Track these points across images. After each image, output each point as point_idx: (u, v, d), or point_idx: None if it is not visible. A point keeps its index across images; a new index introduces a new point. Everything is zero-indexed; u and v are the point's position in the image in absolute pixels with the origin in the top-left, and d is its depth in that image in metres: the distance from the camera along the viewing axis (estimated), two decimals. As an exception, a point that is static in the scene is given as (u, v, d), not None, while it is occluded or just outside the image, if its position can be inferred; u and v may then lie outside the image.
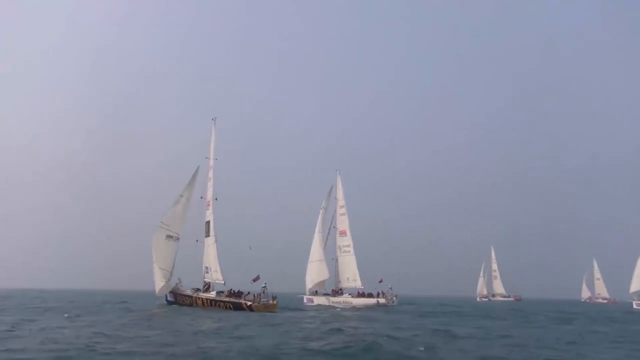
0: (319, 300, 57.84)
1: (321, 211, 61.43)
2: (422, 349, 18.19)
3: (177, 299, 44.94)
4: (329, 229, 61.97)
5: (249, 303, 40.45)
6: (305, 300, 58.11)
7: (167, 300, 45.94)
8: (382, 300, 57.12)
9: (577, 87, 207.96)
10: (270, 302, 41.12)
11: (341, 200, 62.04)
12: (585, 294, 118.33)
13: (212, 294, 43.37)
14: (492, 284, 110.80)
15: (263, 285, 41.54)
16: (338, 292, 59.83)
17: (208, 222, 45.39)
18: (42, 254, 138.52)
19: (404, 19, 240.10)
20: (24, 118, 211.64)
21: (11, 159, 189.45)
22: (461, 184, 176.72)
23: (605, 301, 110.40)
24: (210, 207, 45.48)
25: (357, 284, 60.61)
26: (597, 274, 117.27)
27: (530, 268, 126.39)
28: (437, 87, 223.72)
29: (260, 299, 40.99)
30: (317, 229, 60.27)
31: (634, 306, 77.22)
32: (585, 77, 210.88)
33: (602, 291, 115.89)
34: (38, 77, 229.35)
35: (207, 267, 44.80)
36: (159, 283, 44.81)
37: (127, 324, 26.35)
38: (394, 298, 58.98)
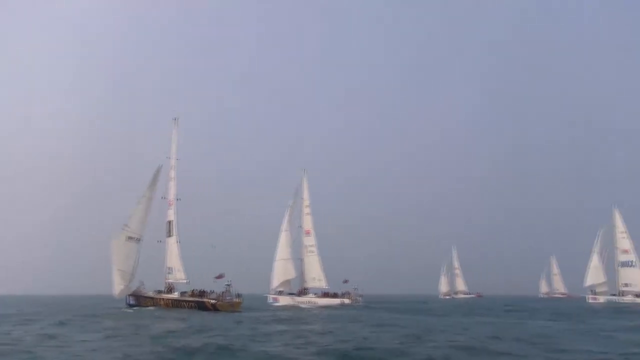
0: (284, 299, 57.59)
1: (288, 210, 61.44)
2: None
3: (139, 301, 44.08)
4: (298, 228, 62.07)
5: (212, 302, 40.07)
6: (270, 300, 57.79)
7: (128, 303, 45.02)
8: (346, 301, 57.41)
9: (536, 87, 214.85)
10: (235, 300, 40.86)
11: (306, 200, 62.15)
12: (543, 289, 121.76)
13: (175, 295, 42.78)
14: (455, 282, 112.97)
15: (227, 283, 41.23)
16: (303, 291, 59.82)
17: (170, 222, 44.85)
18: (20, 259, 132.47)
19: (376, 18, 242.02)
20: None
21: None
22: (427, 185, 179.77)
23: (563, 296, 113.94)
24: (173, 207, 44.96)
25: (322, 284, 60.74)
26: (555, 270, 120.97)
27: (491, 266, 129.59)
28: (407, 89, 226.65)
29: (224, 297, 40.65)
30: (283, 228, 60.18)
31: (588, 300, 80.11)
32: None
33: (559, 287, 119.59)
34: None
35: (169, 268, 44.20)
36: (118, 286, 43.86)
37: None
38: (359, 298, 59.35)
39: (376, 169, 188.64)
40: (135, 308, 43.25)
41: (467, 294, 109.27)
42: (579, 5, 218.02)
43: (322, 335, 21.94)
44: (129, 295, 44.62)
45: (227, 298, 40.83)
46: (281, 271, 58.76)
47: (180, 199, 45.65)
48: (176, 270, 43.56)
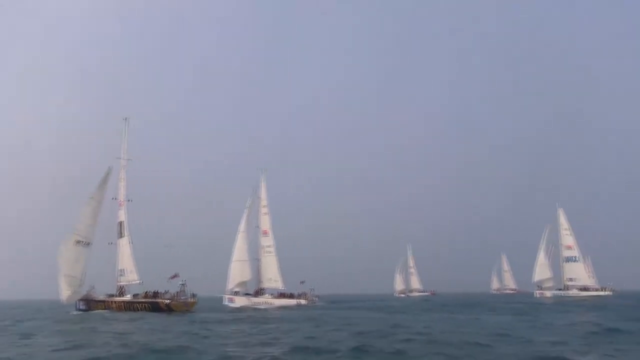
0: (240, 300, 57.15)
1: (246, 211, 61.03)
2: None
3: (90, 305, 42.73)
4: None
5: (167, 302, 39.36)
6: (225, 301, 57.21)
7: (78, 308, 43.56)
8: (303, 301, 57.47)
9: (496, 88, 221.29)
10: (190, 300, 40.32)
11: (264, 200, 61.89)
12: (495, 285, 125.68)
13: (127, 297, 41.77)
14: (410, 280, 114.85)
15: (181, 283, 40.63)
16: (259, 292, 59.51)
17: (121, 223, 43.77)
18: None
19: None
20: None
21: None
22: (385, 188, 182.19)
23: (512, 292, 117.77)
24: (124, 208, 43.92)
25: (279, 284, 60.54)
26: (505, 267, 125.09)
27: (445, 264, 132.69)
28: (372, 92, 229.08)
29: (179, 297, 40.01)
30: (240, 229, 59.76)
31: (536, 295, 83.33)
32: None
33: (509, 283, 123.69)
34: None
35: (121, 270, 43.07)
36: (66, 292, 42.25)
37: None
38: (315, 298, 59.50)
39: (336, 172, 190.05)
40: (88, 312, 42.01)
41: (422, 292, 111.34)
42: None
43: (275, 334, 21.87)
44: (79, 300, 43.23)
45: (182, 298, 40.21)
46: (237, 272, 58.28)
47: (131, 200, 44.64)
48: (128, 271, 42.51)
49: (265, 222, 61.51)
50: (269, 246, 61.36)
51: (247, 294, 58.65)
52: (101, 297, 42.71)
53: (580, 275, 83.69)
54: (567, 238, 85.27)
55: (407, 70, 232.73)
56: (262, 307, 54.60)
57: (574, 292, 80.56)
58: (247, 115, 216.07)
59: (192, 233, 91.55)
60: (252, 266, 59.35)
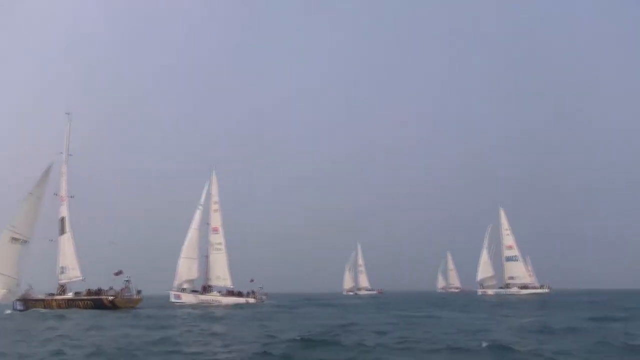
0: (187, 297, 56.47)
1: (199, 208, 60.40)
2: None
3: (28, 305, 41.11)
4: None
5: (110, 298, 38.48)
6: (172, 298, 56.42)
7: (15, 308, 41.81)
8: (251, 300, 57.31)
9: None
10: (134, 296, 39.62)
11: (215, 197, 61.33)
12: (440, 284, 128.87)
13: (69, 295, 40.52)
14: (358, 278, 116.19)
15: (126, 279, 39.86)
16: (207, 289, 58.99)
17: (63, 219, 42.41)
18: None
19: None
20: None
21: None
22: (336, 189, 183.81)
23: (457, 290, 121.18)
24: (65, 203, 42.58)
25: (227, 282, 60.09)
26: (451, 266, 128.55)
27: (395, 262, 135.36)
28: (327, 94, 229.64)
29: (123, 294, 39.22)
30: (192, 226, 59.14)
31: (479, 293, 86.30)
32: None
33: (454, 281, 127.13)
34: None
35: (62, 267, 41.72)
36: (1, 290, 40.48)
37: None
38: (264, 297, 59.44)
39: (290, 172, 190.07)
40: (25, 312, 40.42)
41: (370, 290, 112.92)
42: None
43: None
44: (17, 300, 41.50)
45: (126, 295, 39.45)
46: (185, 269, 57.65)
47: (73, 196, 43.31)
48: (70, 268, 41.20)
49: (216, 219, 60.97)
50: (218, 243, 60.70)
51: (194, 291, 58.04)
52: (40, 296, 41.20)
53: (520, 274, 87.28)
54: (508, 238, 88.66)
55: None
56: (209, 304, 54.18)
57: (514, 290, 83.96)
58: (207, 112, 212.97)
59: (141, 230, 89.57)
60: (200, 264, 58.82)
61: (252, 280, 61.73)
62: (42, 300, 40.51)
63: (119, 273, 39.93)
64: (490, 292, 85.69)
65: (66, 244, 41.62)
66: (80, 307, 38.71)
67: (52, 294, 41.45)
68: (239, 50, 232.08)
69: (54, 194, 42.81)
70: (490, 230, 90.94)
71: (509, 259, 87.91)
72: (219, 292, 58.85)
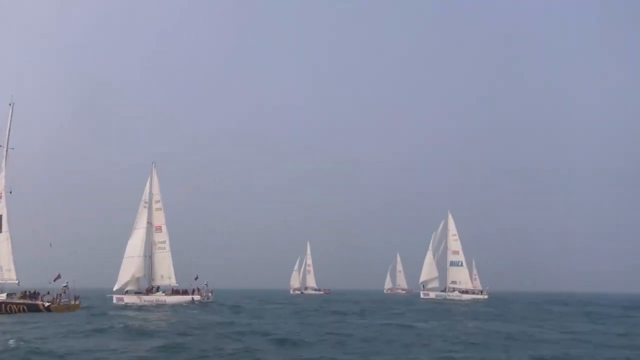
0: (129, 299, 55.54)
1: (141, 206, 59.14)
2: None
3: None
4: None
5: (47, 304, 37.34)
6: (114, 300, 55.33)
7: None
8: (197, 297, 56.96)
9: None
10: (72, 302, 38.62)
11: (157, 195, 60.16)
12: (388, 285, 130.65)
13: (1, 296, 38.96)
14: (306, 278, 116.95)
15: (64, 285, 38.73)
16: (151, 290, 58.13)
17: (0, 216, 40.68)
18: None
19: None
20: None
21: None
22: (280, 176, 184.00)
23: (404, 292, 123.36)
24: (3, 200, 40.79)
25: (172, 281, 59.49)
26: (399, 267, 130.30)
27: (344, 262, 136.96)
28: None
29: (60, 300, 38.13)
30: (136, 226, 57.92)
31: (421, 295, 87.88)
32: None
33: (402, 283, 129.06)
34: None
35: (-3, 267, 40.07)
36: None
37: None
38: (209, 294, 59.10)
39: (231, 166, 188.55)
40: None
41: (317, 290, 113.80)
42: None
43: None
44: None
45: (64, 300, 38.40)
46: (128, 269, 56.63)
47: (11, 192, 41.48)
48: (5, 269, 39.63)
49: (158, 218, 59.89)
50: (162, 242, 59.79)
51: (137, 293, 57.05)
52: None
53: (462, 279, 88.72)
54: (455, 243, 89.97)
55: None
56: (153, 304, 53.49)
57: (455, 294, 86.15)
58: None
59: (85, 230, 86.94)
60: (145, 263, 57.84)
61: (196, 278, 60.73)
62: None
63: (57, 278, 38.76)
64: (432, 294, 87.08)
65: (2, 244, 39.92)
66: (13, 311, 37.30)
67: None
68: (238, 50, 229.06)
69: (-9, 191, 40.92)
70: (438, 233, 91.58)
71: (453, 263, 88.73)
72: (163, 291, 58.29)
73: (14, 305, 37.66)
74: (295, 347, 20.07)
